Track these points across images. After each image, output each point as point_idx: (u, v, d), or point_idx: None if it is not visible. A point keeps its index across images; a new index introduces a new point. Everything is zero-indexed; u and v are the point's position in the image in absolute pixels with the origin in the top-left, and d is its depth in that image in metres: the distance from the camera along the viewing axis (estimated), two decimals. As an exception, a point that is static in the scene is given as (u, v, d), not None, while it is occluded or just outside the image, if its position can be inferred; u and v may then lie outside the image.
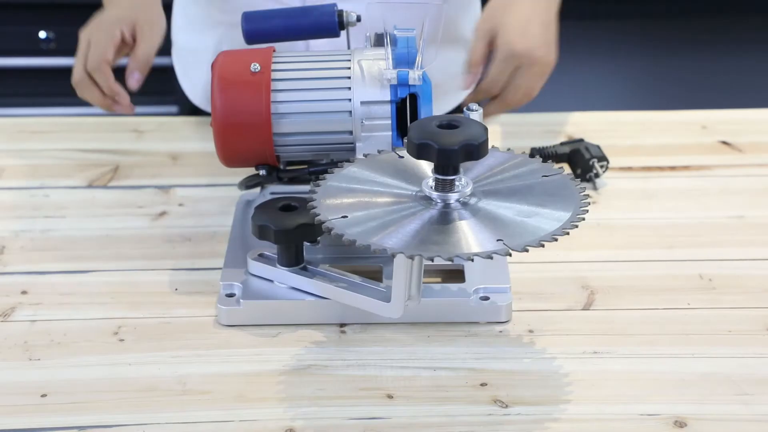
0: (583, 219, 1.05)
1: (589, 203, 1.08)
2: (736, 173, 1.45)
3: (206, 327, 1.17)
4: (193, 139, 1.54)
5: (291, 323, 1.17)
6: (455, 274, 1.21)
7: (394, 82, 1.18)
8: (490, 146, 1.10)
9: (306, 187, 1.31)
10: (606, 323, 1.17)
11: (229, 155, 1.21)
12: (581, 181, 1.42)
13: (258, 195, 1.34)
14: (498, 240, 1.02)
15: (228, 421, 1.05)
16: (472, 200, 1.08)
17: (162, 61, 1.74)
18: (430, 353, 1.13)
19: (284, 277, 1.18)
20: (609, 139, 1.48)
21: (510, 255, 1.01)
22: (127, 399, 1.07)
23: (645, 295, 1.21)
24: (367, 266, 1.20)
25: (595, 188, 1.41)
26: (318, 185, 1.10)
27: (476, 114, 1.17)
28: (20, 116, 2.35)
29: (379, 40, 1.24)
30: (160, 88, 1.63)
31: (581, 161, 1.42)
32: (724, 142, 1.52)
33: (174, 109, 1.61)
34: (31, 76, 2.64)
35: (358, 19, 1.23)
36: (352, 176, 1.12)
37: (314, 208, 1.07)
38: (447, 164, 1.07)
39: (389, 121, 1.18)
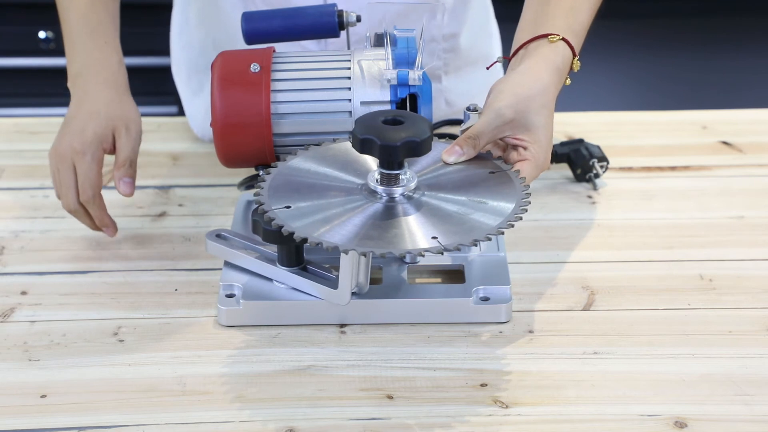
0: (521, 218, 1.07)
1: (530, 202, 1.09)
2: (736, 173, 1.45)
3: (206, 327, 1.17)
4: (193, 139, 1.54)
5: (291, 323, 1.16)
6: (455, 275, 1.21)
7: (394, 82, 1.18)
8: (442, 140, 1.12)
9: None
10: (606, 323, 1.17)
11: (229, 155, 1.21)
12: (581, 181, 1.42)
13: (258, 195, 1.34)
14: (433, 237, 1.04)
15: (228, 422, 1.04)
16: (417, 194, 1.10)
17: (161, 61, 1.74)
18: (430, 353, 1.13)
19: (243, 260, 1.19)
20: (609, 140, 1.48)
21: (442, 253, 1.03)
22: (126, 399, 1.07)
23: (645, 295, 1.21)
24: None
25: (595, 188, 1.41)
26: (265, 176, 1.12)
27: (476, 115, 1.17)
28: (20, 116, 2.35)
29: (379, 40, 1.24)
30: (160, 89, 1.62)
31: (581, 161, 1.42)
32: (725, 143, 1.52)
33: (174, 109, 1.61)
34: (31, 76, 2.64)
35: (358, 19, 1.23)
36: (300, 167, 1.13)
37: (259, 195, 1.08)
38: (390, 160, 1.09)
39: (389, 122, 1.18)
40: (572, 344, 1.14)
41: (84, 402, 1.07)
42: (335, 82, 1.19)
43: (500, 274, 1.19)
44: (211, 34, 1.51)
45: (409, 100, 1.18)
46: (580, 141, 1.44)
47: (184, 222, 1.36)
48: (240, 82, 1.18)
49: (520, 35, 1.22)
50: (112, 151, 1.25)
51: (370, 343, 1.14)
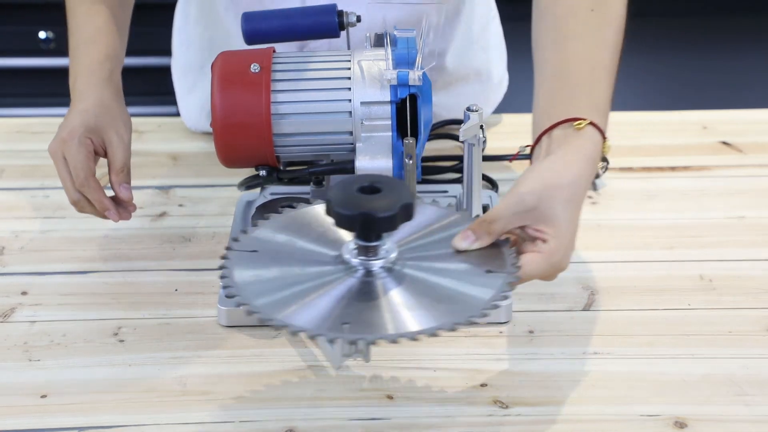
0: (514, 288, 0.97)
1: (519, 276, 0.98)
2: (736, 174, 1.45)
3: (206, 328, 1.17)
4: (193, 139, 1.54)
5: (291, 324, 1.16)
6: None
7: (394, 82, 1.17)
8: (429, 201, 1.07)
9: (306, 188, 1.32)
10: (606, 324, 1.17)
11: (229, 156, 1.21)
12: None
13: (258, 196, 1.34)
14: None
15: (228, 422, 1.04)
16: (398, 266, 0.99)
17: (161, 61, 1.74)
18: (430, 354, 1.13)
19: None
20: (609, 140, 1.48)
21: (436, 335, 0.92)
22: (126, 400, 1.07)
23: (645, 295, 1.21)
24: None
25: (595, 189, 1.41)
26: (228, 252, 1.01)
27: (476, 114, 1.17)
28: (20, 116, 2.35)
29: (379, 40, 1.24)
30: (160, 89, 1.62)
31: (581, 161, 1.41)
32: (725, 143, 1.52)
33: (173, 109, 1.61)
34: (31, 76, 2.64)
35: (358, 19, 1.23)
36: (266, 239, 1.04)
37: (225, 278, 0.98)
38: (369, 232, 0.98)
39: (389, 122, 1.18)
40: (572, 344, 1.14)
41: (84, 402, 1.07)
42: (335, 83, 1.19)
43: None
44: (207, 32, 1.51)
45: (409, 101, 1.18)
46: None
47: (184, 222, 1.36)
48: (240, 83, 1.18)
49: (540, 119, 1.08)
50: (102, 152, 1.23)
51: (370, 343, 1.14)
